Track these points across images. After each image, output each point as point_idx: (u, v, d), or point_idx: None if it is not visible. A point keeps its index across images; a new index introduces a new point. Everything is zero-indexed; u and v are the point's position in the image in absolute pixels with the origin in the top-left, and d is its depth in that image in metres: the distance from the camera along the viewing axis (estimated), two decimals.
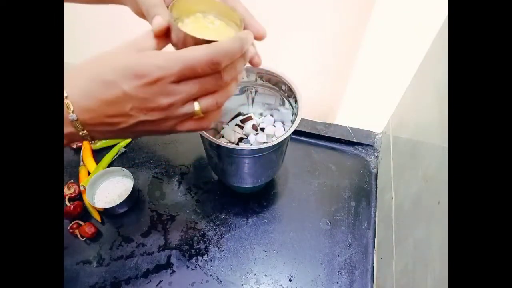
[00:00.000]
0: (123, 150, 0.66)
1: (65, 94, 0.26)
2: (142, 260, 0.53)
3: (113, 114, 0.27)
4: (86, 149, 0.65)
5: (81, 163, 0.63)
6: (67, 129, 0.27)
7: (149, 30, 0.30)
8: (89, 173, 0.62)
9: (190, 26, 0.32)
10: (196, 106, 0.29)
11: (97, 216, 0.57)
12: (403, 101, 0.58)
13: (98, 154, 0.65)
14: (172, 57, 0.27)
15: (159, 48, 0.30)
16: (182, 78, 0.27)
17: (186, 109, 0.29)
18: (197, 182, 0.62)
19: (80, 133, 0.28)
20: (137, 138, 0.64)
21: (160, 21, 0.30)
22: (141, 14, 0.40)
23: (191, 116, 0.30)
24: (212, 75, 0.28)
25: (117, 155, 0.65)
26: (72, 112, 0.26)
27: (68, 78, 0.27)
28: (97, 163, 0.63)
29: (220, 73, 0.28)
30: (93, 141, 0.29)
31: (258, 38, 0.34)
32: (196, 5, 0.33)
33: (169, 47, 0.31)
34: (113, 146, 0.66)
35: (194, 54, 0.27)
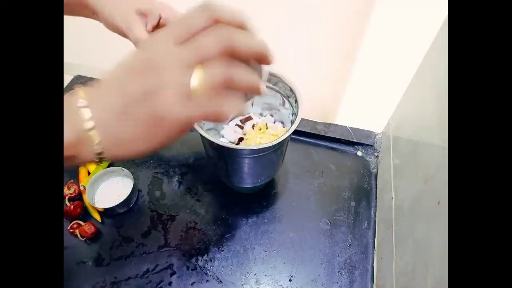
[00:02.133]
0: None
1: (91, 125, 0.23)
2: (142, 260, 0.53)
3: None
4: None
5: None
6: (86, 157, 0.25)
7: None
8: (89, 173, 0.62)
9: None
10: (194, 78, 0.24)
11: (97, 216, 0.57)
12: (403, 101, 0.58)
13: None
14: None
15: None
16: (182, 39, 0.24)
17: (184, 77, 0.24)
18: (197, 182, 0.62)
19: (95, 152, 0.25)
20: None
21: None
22: (115, 30, 0.42)
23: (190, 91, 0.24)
24: (210, 33, 0.24)
25: None
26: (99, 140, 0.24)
27: (94, 97, 0.24)
28: None
29: (218, 30, 0.24)
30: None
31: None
32: None
33: None
34: None
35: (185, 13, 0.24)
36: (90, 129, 0.24)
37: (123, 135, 0.25)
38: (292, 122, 0.49)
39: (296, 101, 0.49)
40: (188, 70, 0.23)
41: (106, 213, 0.57)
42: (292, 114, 0.51)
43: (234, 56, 0.25)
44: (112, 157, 0.26)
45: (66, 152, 0.24)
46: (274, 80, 0.51)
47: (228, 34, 0.24)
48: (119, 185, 0.60)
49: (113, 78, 0.25)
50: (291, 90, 0.49)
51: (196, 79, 0.23)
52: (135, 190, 0.59)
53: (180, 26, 0.24)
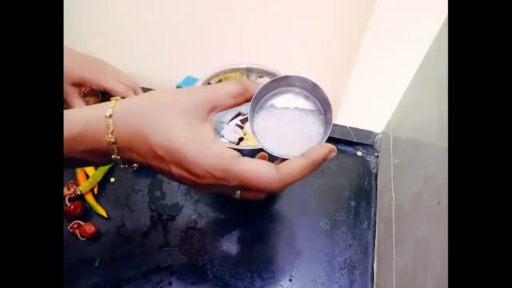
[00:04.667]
0: None
1: (112, 140, 0.26)
2: (142, 260, 0.53)
3: (153, 167, 0.28)
4: None
5: None
6: (108, 161, 0.28)
7: (229, 90, 0.28)
8: (87, 176, 0.61)
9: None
10: (237, 194, 0.29)
11: (102, 212, 0.56)
12: (403, 101, 0.58)
13: None
14: (233, 172, 0.25)
15: (230, 106, 0.29)
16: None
17: (226, 192, 0.29)
18: None
19: (121, 166, 0.28)
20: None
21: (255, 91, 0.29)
22: None
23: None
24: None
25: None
26: (118, 153, 0.27)
27: (118, 119, 0.26)
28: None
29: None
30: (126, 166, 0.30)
31: None
32: None
33: None
34: None
35: (258, 180, 0.26)
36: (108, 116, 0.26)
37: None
38: None
39: None
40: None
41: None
42: None
43: None
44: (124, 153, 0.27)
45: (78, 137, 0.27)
46: None
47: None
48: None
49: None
50: None
51: (238, 195, 0.30)
52: None
53: (243, 187, 0.27)
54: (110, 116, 0.26)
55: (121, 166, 0.28)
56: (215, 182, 0.25)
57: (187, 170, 0.25)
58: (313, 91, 0.31)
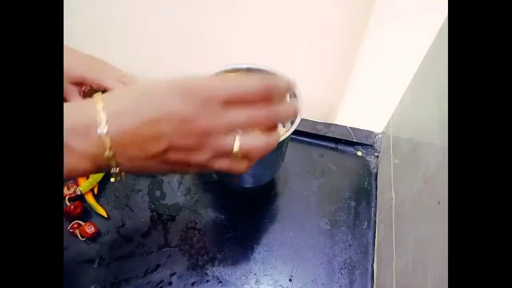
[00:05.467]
0: None
1: (101, 107, 0.25)
2: (142, 260, 0.53)
3: (148, 136, 0.26)
4: None
5: None
6: (90, 148, 0.25)
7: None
8: (87, 177, 0.61)
9: None
10: (236, 145, 0.27)
11: (102, 212, 0.56)
12: (403, 100, 0.58)
13: None
14: (224, 79, 0.27)
15: None
16: (231, 101, 0.26)
17: (225, 141, 0.27)
18: (197, 182, 0.62)
19: (105, 155, 0.25)
20: (162, 174, 0.63)
21: None
22: None
23: (227, 153, 0.27)
24: (261, 108, 0.27)
25: None
26: (106, 123, 0.24)
27: (110, 93, 0.27)
28: None
29: (269, 107, 0.28)
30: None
31: None
32: None
33: None
34: None
35: (246, 79, 0.27)
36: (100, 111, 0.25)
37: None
38: (292, 122, 0.49)
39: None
40: (230, 135, 0.27)
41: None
42: None
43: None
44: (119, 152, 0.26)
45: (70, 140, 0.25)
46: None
47: (276, 112, 0.28)
48: None
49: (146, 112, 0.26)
50: None
51: (237, 145, 0.26)
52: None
53: (234, 95, 0.26)
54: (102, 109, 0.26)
55: (102, 161, 0.26)
56: (207, 94, 0.26)
57: (181, 88, 0.26)
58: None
